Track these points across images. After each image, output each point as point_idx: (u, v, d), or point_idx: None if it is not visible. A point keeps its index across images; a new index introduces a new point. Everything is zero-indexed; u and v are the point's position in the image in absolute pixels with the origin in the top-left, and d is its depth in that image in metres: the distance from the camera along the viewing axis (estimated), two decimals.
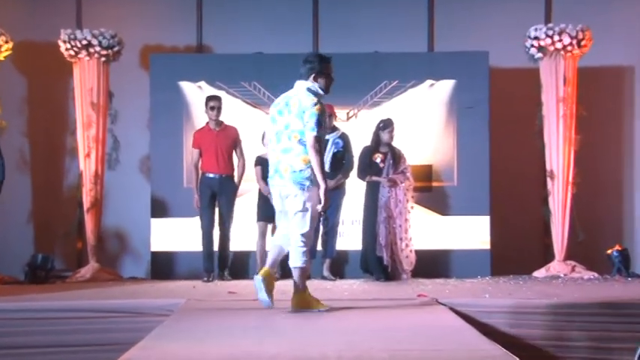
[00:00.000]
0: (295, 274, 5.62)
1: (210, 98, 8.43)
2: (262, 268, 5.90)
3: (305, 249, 5.58)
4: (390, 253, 8.18)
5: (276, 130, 5.62)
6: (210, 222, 8.44)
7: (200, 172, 8.41)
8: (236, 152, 8.50)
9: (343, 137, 8.38)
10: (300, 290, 5.66)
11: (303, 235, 5.58)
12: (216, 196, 8.40)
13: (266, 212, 8.07)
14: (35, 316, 6.27)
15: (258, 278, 5.61)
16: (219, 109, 8.34)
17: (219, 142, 8.34)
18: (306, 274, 5.71)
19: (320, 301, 5.72)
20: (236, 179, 8.53)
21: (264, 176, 8.05)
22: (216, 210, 8.49)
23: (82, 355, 5.95)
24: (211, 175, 8.37)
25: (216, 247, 8.47)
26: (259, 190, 8.43)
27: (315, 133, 5.46)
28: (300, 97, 5.57)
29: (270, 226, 8.34)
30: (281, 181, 5.60)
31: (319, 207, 5.59)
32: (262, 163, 8.23)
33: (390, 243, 8.18)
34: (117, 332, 6.03)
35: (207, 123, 8.44)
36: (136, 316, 6.21)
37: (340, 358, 4.10)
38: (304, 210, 5.57)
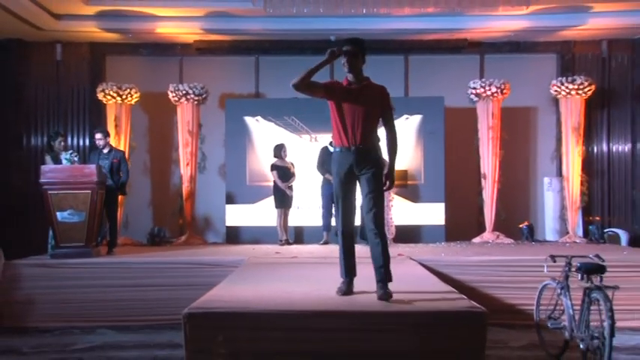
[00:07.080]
0: None
1: (344, 41, 4.14)
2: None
3: None
4: None
5: None
6: (352, 203, 4.24)
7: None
8: (384, 118, 4.16)
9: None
10: None
11: None
12: (355, 176, 4.18)
13: (282, 202, 8.14)
14: (154, 266, 6.43)
15: None
16: (354, 56, 4.08)
17: (358, 104, 4.14)
18: None
19: None
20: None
21: (280, 177, 8.12)
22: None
23: (182, 291, 5.99)
24: (345, 148, 4.12)
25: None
26: (274, 186, 8.17)
27: None
28: None
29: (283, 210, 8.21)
30: None
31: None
32: (277, 168, 8.13)
33: None
34: (204, 277, 6.13)
35: (346, 78, 4.29)
36: (216, 268, 6.29)
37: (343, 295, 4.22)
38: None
